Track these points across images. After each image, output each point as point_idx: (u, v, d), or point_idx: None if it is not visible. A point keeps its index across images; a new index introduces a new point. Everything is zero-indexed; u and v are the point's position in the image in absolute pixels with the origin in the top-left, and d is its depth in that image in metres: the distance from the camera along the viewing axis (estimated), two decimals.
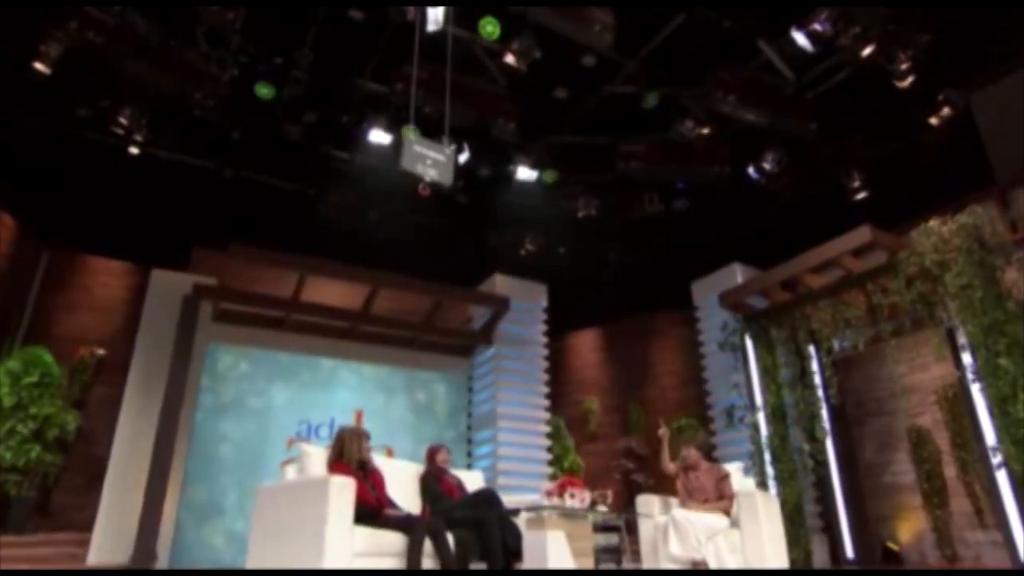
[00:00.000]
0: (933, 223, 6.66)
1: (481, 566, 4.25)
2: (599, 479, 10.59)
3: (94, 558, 6.81)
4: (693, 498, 5.07)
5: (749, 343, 8.71)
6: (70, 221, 8.27)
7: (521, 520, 4.21)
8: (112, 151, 7.76)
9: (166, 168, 8.43)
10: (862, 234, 6.91)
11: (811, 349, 8.31)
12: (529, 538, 3.76)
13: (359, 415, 9.24)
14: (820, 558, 7.82)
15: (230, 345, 8.61)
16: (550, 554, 3.64)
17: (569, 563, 3.74)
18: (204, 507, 7.87)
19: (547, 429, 9.57)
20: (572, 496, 3.93)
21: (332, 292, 8.93)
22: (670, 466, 5.34)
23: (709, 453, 5.53)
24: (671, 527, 4.59)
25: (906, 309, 6.85)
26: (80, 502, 7.37)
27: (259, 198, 9.01)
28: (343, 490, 3.70)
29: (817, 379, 8.17)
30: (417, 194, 5.32)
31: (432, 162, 5.18)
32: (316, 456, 4.35)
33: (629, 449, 10.51)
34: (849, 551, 8.00)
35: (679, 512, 4.66)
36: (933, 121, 7.35)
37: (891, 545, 7.92)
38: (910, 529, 7.93)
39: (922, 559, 7.72)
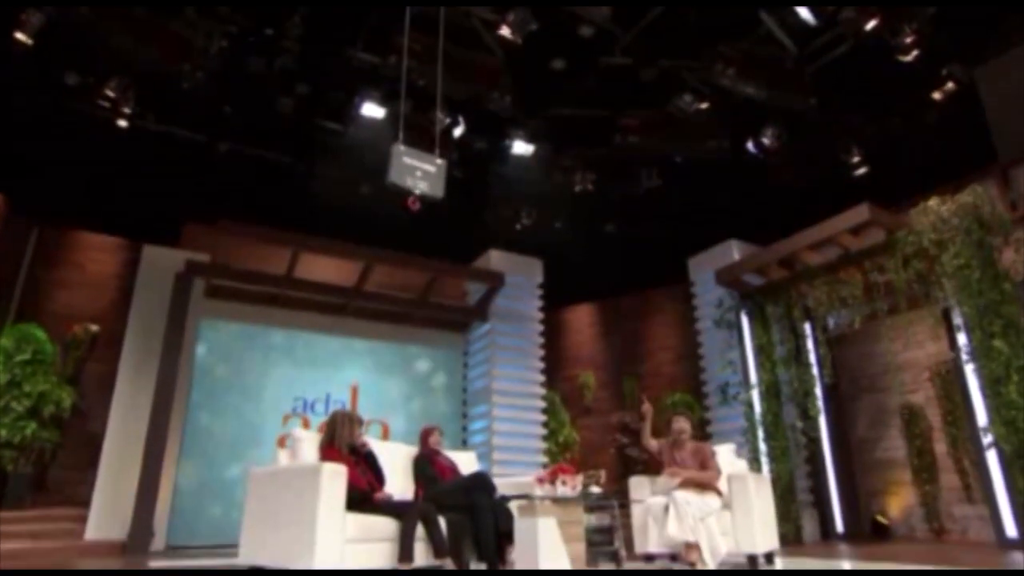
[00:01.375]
0: (932, 202, 6.59)
1: (473, 550, 4.26)
2: (594, 453, 10.69)
3: (92, 533, 6.86)
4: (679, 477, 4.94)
5: (745, 320, 8.69)
6: (60, 197, 8.14)
7: (513, 505, 4.21)
8: (101, 125, 7.59)
9: (157, 142, 8.27)
10: (860, 212, 6.84)
11: (806, 327, 8.30)
12: (520, 524, 3.76)
13: (354, 391, 9.25)
14: (811, 532, 7.92)
15: (223, 321, 8.57)
16: (541, 540, 3.64)
17: (560, 549, 3.74)
18: (201, 482, 7.91)
19: (542, 404, 9.61)
20: (564, 483, 3.92)
21: (326, 268, 8.85)
22: (652, 442, 5.18)
23: (697, 432, 5.37)
24: (672, 507, 4.53)
25: (902, 288, 6.81)
26: (77, 478, 7.39)
27: (251, 173, 8.87)
28: (335, 477, 3.69)
29: (812, 357, 8.18)
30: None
31: (422, 174, 5.08)
32: (308, 441, 4.33)
33: (624, 424, 10.54)
34: (839, 525, 8.10)
35: (680, 494, 4.55)
36: (936, 96, 7.21)
37: (880, 519, 8.03)
38: (899, 503, 8.02)
39: (910, 532, 7.83)
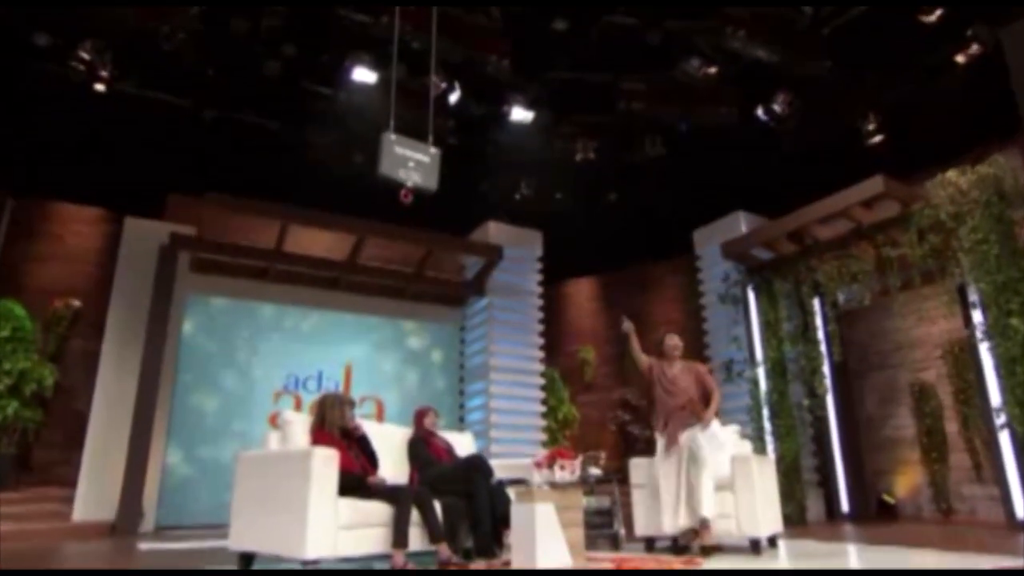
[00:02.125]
0: (951, 174, 6.43)
1: (470, 534, 4.24)
2: (594, 431, 10.68)
3: (79, 515, 6.84)
4: (675, 400, 4.72)
5: (751, 295, 8.61)
6: (36, 166, 7.94)
7: (510, 489, 4.15)
8: (78, 90, 7.36)
9: (138, 108, 8.04)
10: (874, 185, 6.70)
11: (815, 303, 8.21)
12: (517, 510, 3.70)
13: (348, 368, 9.18)
14: (815, 513, 7.92)
15: (211, 296, 8.47)
16: (538, 527, 3.58)
17: (558, 535, 3.69)
18: (190, 461, 7.90)
19: (541, 381, 9.57)
20: (562, 468, 3.84)
21: (317, 241, 8.74)
22: (643, 357, 4.97)
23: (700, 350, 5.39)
24: (683, 491, 4.45)
25: (916, 263, 6.69)
26: (62, 458, 7.35)
27: (239, 141, 8.66)
28: (327, 462, 3.65)
29: (820, 333, 8.10)
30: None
31: (415, 164, 4.91)
32: (299, 424, 4.27)
33: (625, 400, 10.55)
34: (845, 505, 8.11)
35: (702, 491, 4.38)
36: (960, 59, 6.96)
37: (887, 498, 8.03)
38: (907, 483, 8.02)
39: (917, 512, 7.84)
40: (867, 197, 6.83)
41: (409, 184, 4.97)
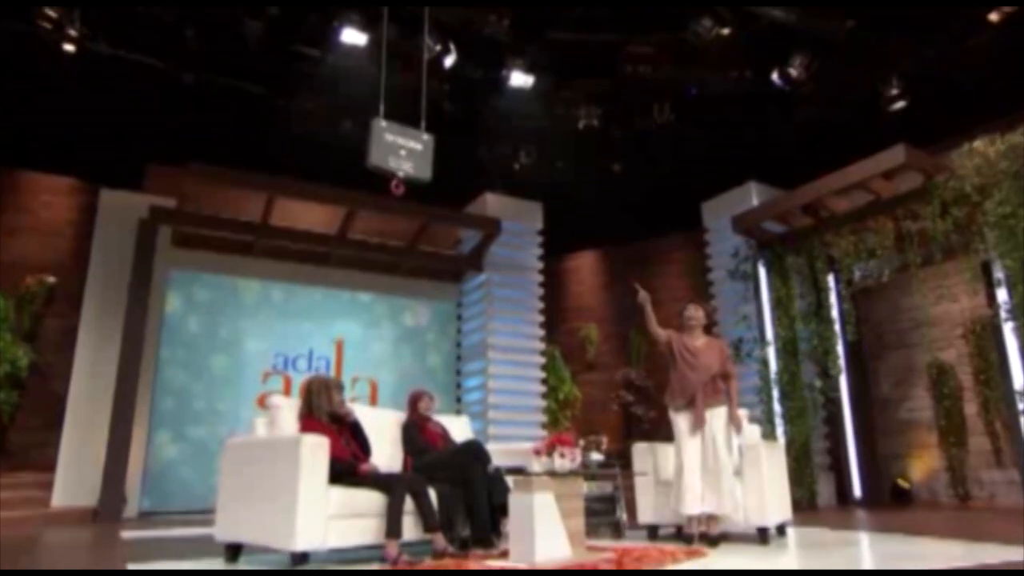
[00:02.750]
0: (978, 143, 6.31)
1: (466, 523, 4.22)
2: (596, 411, 10.69)
3: (59, 500, 6.85)
4: (699, 375, 4.52)
5: (762, 271, 8.55)
6: (3, 133, 7.76)
7: (508, 478, 4.11)
8: (46, 51, 7.17)
9: (112, 72, 7.86)
10: (895, 155, 6.59)
11: (830, 279, 8.14)
12: (515, 500, 3.66)
13: (339, 346, 9.14)
14: (826, 498, 7.94)
15: (194, 272, 8.40)
16: (537, 517, 3.56)
17: (558, 525, 3.67)
18: (174, 445, 7.90)
19: (541, 360, 9.55)
20: (562, 456, 3.80)
21: (306, 214, 8.64)
22: (659, 331, 4.72)
23: (709, 325, 4.92)
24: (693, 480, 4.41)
25: (938, 238, 6.61)
26: (39, 440, 7.33)
27: (221, 108, 8.50)
28: (317, 450, 3.62)
29: (834, 312, 8.04)
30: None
31: (407, 153, 4.78)
32: (287, 409, 4.22)
33: (629, 380, 10.54)
34: (857, 490, 8.13)
35: (729, 478, 4.35)
36: (993, 17, 6.74)
37: (902, 483, 8.06)
38: (923, 467, 8.04)
39: (933, 497, 7.87)
40: (888, 168, 6.72)
41: (400, 175, 4.86)
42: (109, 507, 6.77)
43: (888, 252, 7.22)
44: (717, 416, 4.48)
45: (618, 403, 10.53)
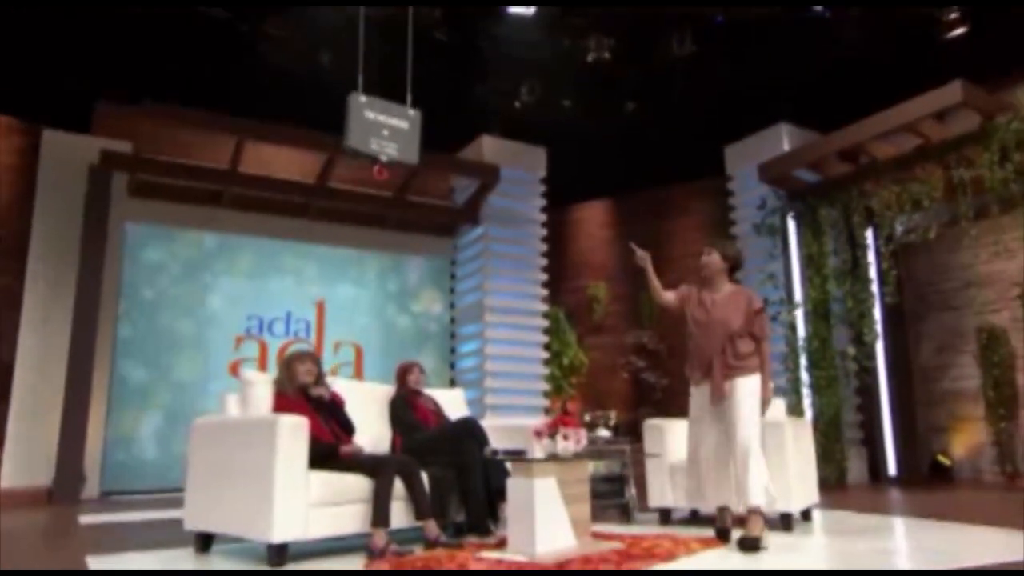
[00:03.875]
0: None
1: (461, 509, 4.23)
2: (604, 378, 10.68)
3: (9, 480, 6.86)
4: (709, 338, 4.07)
5: (792, 226, 8.44)
6: None
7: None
8: None
9: None
10: (950, 92, 6.43)
11: (868, 234, 8.01)
12: (514, 485, 3.61)
13: (320, 308, 9.07)
14: (857, 474, 7.96)
15: (154, 225, 8.28)
16: (538, 504, 3.51)
17: (561, 513, 3.64)
18: (139, 418, 7.90)
19: (544, 322, 9.52)
20: (566, 438, 3.72)
21: (280, 160, 8.52)
22: (667, 295, 4.28)
23: (735, 268, 4.27)
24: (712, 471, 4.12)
25: (996, 188, 6.47)
26: None
27: (180, 36, 8.19)
28: (295, 431, 3.57)
29: (871, 271, 7.94)
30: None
31: (390, 132, 4.57)
32: (261, 385, 4.17)
33: (640, 344, 10.50)
34: (891, 466, 8.14)
35: (755, 467, 3.90)
36: None
37: (942, 459, 8.09)
38: (966, 442, 8.05)
39: (976, 475, 7.89)
40: (940, 108, 6.60)
41: (383, 159, 4.70)
42: (65, 487, 6.79)
43: (936, 204, 7.06)
44: (740, 387, 3.97)
45: (628, 370, 10.51)
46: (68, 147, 7.64)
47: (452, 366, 9.76)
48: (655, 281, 4.32)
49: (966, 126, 6.76)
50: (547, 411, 9.41)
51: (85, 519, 5.54)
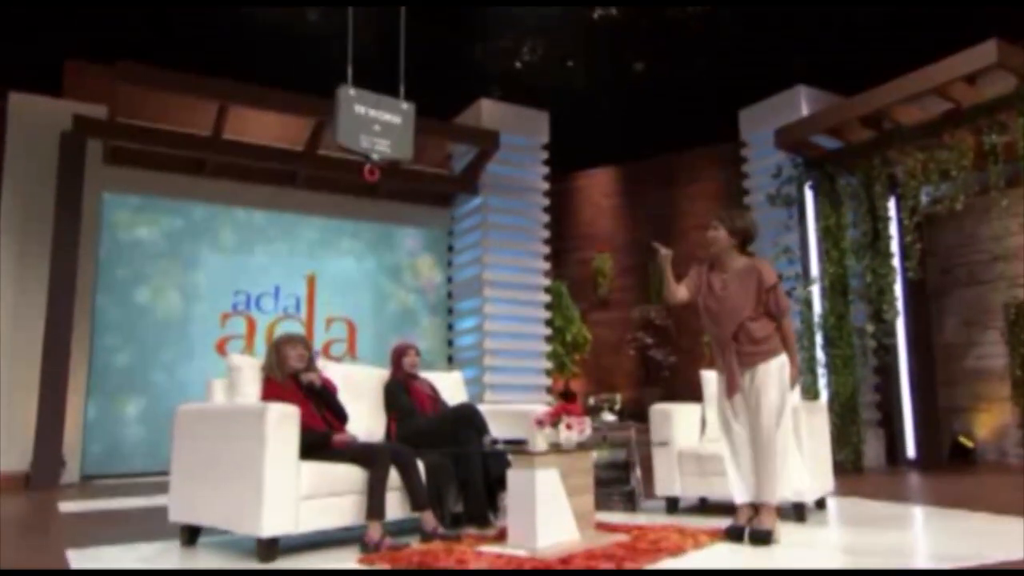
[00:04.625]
0: None
1: (459, 499, 4.24)
2: (609, 355, 10.71)
3: None
4: (721, 327, 3.95)
5: (809, 196, 8.36)
6: None
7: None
8: None
9: None
10: (985, 52, 6.35)
11: (890, 206, 7.94)
12: (515, 477, 3.61)
13: (311, 282, 9.07)
14: (874, 457, 8.00)
15: (133, 195, 8.23)
16: (539, 497, 3.52)
17: (563, 505, 3.65)
18: (120, 399, 7.92)
19: (546, 297, 9.54)
20: (569, 427, 3.71)
21: (266, 125, 8.43)
22: (680, 290, 4.08)
23: (747, 240, 4.06)
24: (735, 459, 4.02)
25: None
26: None
27: None
28: (285, 421, 3.56)
29: (893, 245, 7.87)
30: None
31: (382, 128, 4.47)
32: (248, 370, 4.16)
33: (647, 320, 10.50)
34: (910, 449, 8.18)
35: (776, 457, 3.84)
36: None
37: (964, 440, 8.15)
38: (991, 423, 8.10)
39: (1000, 458, 7.94)
40: (973, 70, 6.49)
41: (375, 157, 4.61)
42: (44, 472, 6.82)
43: (966, 172, 6.99)
44: (760, 374, 3.85)
45: (634, 346, 10.51)
46: (38, 111, 7.57)
47: (450, 343, 9.76)
48: (672, 282, 4.13)
49: (1000, 88, 6.67)
50: (549, 390, 9.44)
51: (65, 507, 5.57)
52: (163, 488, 4.16)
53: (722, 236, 4.00)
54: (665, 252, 4.08)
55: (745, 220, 4.05)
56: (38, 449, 6.84)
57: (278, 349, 4.16)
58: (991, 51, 6.28)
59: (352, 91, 4.80)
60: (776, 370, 3.88)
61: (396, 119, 4.79)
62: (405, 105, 4.88)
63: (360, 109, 4.79)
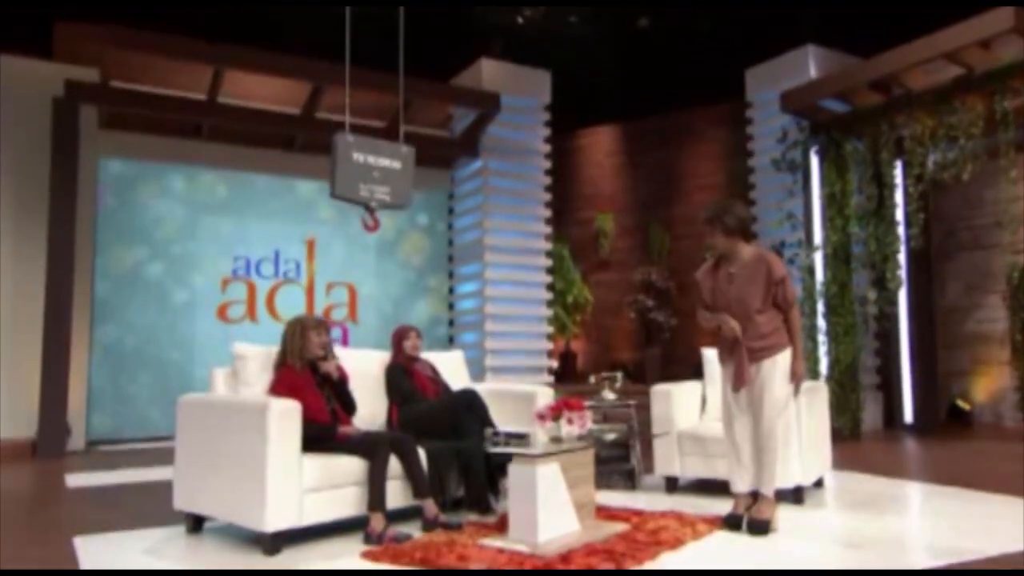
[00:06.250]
0: None
1: (460, 485, 4.26)
2: (610, 316, 10.68)
3: None
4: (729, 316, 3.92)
5: (814, 161, 8.25)
6: None
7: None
8: None
9: None
10: (1001, 17, 6.20)
11: (896, 172, 7.81)
12: (516, 471, 3.62)
13: (311, 247, 9.01)
14: (871, 422, 8.05)
15: (130, 160, 8.14)
16: (540, 491, 3.54)
17: (564, 497, 3.67)
18: (121, 364, 7.95)
19: (548, 261, 9.51)
20: (570, 422, 3.70)
21: (263, 89, 8.26)
22: (706, 314, 4.03)
23: (745, 231, 3.99)
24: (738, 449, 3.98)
25: None
26: None
27: None
28: (286, 418, 3.56)
29: (898, 212, 7.77)
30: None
31: (381, 174, 4.28)
32: (253, 360, 4.14)
33: (648, 281, 10.41)
34: (908, 413, 8.21)
35: (776, 449, 3.83)
36: None
37: (961, 403, 8.22)
38: (988, 386, 8.17)
39: (997, 420, 8.01)
40: (989, 35, 6.36)
41: (374, 205, 4.48)
42: (50, 439, 6.87)
43: (975, 137, 6.86)
44: (766, 369, 3.84)
45: (634, 308, 10.46)
46: (29, 75, 7.41)
47: (451, 307, 9.74)
48: (703, 314, 4.08)
49: (1014, 53, 6.54)
50: (550, 353, 9.44)
51: (72, 480, 5.63)
52: (168, 456, 4.16)
53: (719, 240, 3.95)
54: (733, 325, 3.86)
55: (735, 215, 3.93)
56: (43, 417, 6.87)
57: (304, 332, 4.06)
58: (1007, 16, 6.15)
59: (350, 137, 4.72)
60: (782, 365, 3.88)
61: (396, 164, 4.72)
62: (404, 149, 4.78)
63: (359, 157, 4.70)
